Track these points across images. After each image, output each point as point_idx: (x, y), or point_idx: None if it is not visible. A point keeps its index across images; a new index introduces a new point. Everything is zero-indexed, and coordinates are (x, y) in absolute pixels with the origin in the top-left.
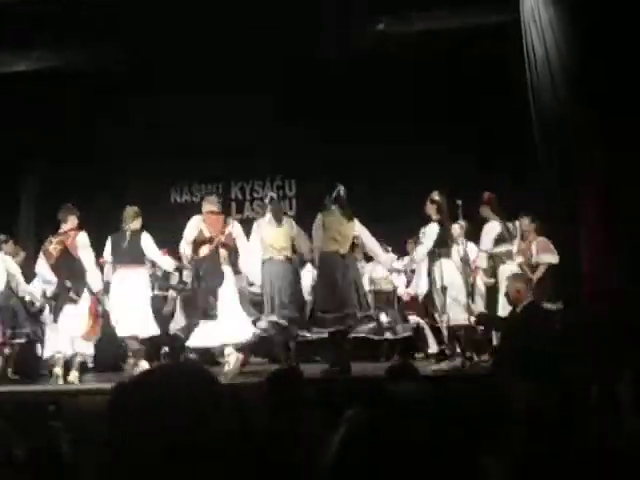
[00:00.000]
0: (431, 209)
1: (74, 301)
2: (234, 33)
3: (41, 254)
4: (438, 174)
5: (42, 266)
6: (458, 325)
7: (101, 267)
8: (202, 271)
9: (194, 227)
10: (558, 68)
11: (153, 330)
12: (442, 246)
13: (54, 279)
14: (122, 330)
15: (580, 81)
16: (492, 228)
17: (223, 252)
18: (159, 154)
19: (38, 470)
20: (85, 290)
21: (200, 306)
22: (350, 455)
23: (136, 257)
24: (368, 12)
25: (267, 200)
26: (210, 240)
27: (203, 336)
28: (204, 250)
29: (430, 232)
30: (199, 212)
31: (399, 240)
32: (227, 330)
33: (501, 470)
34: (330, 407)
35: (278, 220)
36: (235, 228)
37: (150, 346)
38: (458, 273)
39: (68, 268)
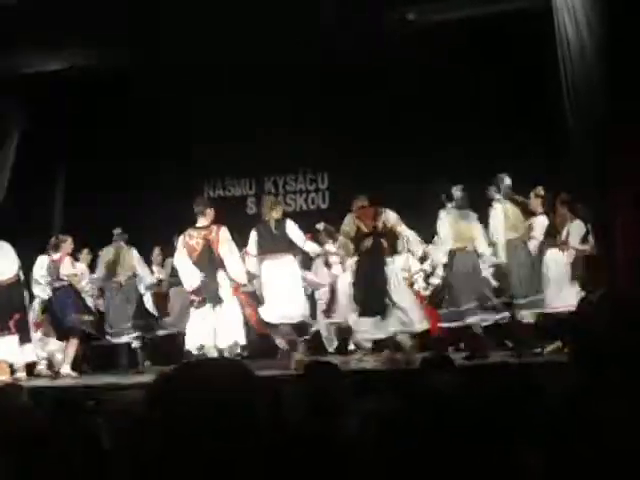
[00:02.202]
0: (536, 203)
1: (219, 298)
2: (267, 27)
3: (180, 247)
4: (460, 166)
5: (183, 260)
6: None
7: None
8: (365, 265)
9: (351, 224)
10: (592, 48)
11: (302, 316)
12: (549, 237)
13: (197, 273)
14: (271, 316)
15: (613, 61)
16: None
17: (383, 242)
18: (192, 150)
19: (78, 463)
20: (229, 284)
21: (358, 300)
22: (386, 446)
23: (283, 245)
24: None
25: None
26: (368, 234)
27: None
28: (366, 244)
29: (540, 225)
30: (233, 206)
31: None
32: (401, 318)
33: (541, 464)
34: (366, 398)
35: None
36: (388, 215)
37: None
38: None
39: (210, 262)
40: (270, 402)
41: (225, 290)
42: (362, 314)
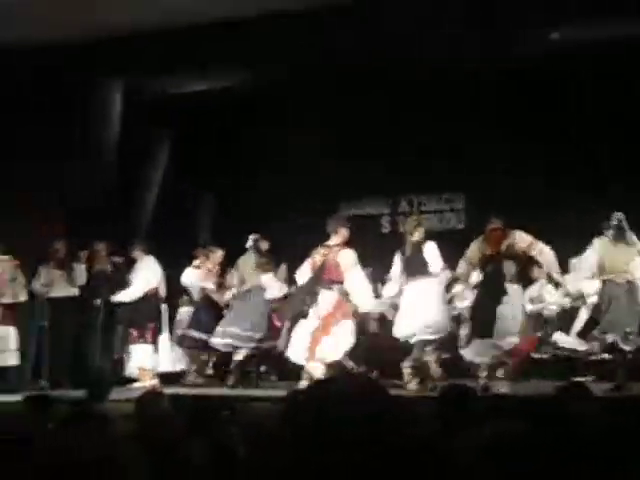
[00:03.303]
0: None
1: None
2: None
3: (306, 262)
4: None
5: (303, 275)
6: None
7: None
8: (485, 288)
9: (474, 250)
10: None
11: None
12: None
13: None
14: (402, 331)
15: None
16: None
17: (508, 264)
18: (328, 168)
19: (215, 473)
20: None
21: (479, 319)
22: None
23: (420, 267)
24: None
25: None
26: (491, 257)
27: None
28: (487, 269)
29: None
30: (368, 226)
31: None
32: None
33: None
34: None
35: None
36: (518, 237)
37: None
38: None
39: (316, 281)
40: (406, 420)
41: (322, 310)
42: (472, 337)
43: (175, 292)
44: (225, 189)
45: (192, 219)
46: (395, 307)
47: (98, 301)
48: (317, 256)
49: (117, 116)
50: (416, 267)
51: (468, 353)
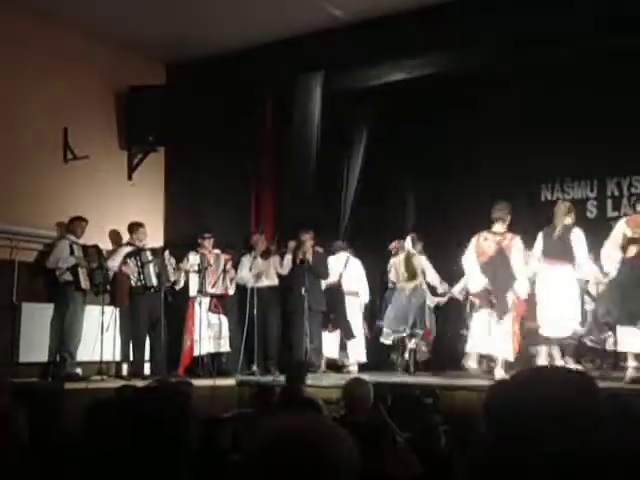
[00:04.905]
0: None
1: (492, 305)
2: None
3: (471, 248)
4: None
5: (471, 261)
6: None
7: None
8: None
9: (619, 230)
10: None
11: (568, 331)
12: None
13: (482, 276)
14: (546, 330)
15: None
16: None
17: None
18: (530, 152)
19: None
20: (510, 294)
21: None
22: None
23: (564, 253)
24: None
25: None
26: (635, 240)
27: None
28: (632, 251)
29: None
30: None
31: None
32: None
33: None
34: None
35: None
36: None
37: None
38: None
39: (500, 269)
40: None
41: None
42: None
43: None
44: (424, 179)
45: (392, 208)
46: None
47: (302, 290)
48: (487, 242)
49: (318, 109)
50: (559, 251)
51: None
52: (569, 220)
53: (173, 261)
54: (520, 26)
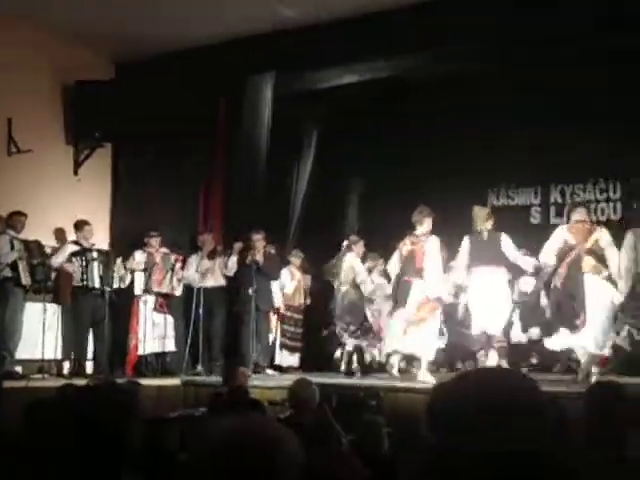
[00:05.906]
0: None
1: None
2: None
3: (396, 253)
4: None
5: (393, 265)
6: None
7: None
8: (562, 279)
9: (559, 236)
10: None
11: (497, 330)
12: None
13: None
14: (475, 328)
15: None
16: None
17: (588, 259)
18: (477, 157)
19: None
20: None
21: (563, 312)
22: None
23: (494, 256)
24: None
25: None
26: (572, 248)
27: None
28: (567, 259)
29: None
30: (516, 215)
31: None
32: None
33: None
34: None
35: None
36: (602, 234)
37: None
38: None
39: (408, 271)
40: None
41: (413, 299)
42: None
43: None
44: (373, 180)
45: (341, 209)
46: None
47: (250, 290)
48: (405, 247)
49: (268, 110)
50: (489, 256)
51: None
52: (490, 225)
53: (122, 269)
54: (509, 26)
